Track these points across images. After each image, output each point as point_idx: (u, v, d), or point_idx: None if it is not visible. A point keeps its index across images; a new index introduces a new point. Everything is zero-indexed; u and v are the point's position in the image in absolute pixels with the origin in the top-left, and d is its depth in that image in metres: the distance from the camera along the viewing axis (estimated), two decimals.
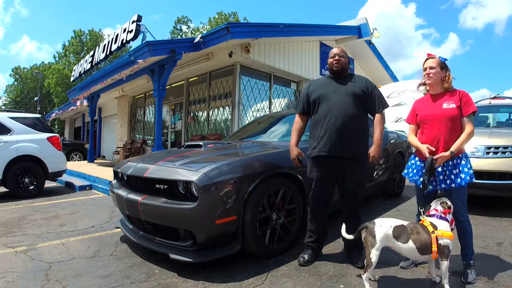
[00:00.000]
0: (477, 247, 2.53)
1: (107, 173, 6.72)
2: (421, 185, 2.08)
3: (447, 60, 2.14)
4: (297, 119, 2.54)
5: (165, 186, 2.33)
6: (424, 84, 2.21)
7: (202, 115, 8.99)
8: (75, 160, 12.83)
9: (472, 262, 2.09)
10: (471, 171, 2.04)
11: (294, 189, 2.59)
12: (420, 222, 1.96)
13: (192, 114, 9.28)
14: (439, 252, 1.85)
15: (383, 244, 1.87)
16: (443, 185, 2.05)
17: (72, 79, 11.51)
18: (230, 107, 7.90)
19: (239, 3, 62.64)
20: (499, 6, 69.02)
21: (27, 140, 5.45)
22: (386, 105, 2.40)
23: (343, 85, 2.35)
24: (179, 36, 32.01)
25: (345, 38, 9.70)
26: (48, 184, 6.17)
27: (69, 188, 6.44)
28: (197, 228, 2.16)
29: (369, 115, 2.44)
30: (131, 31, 7.03)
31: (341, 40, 9.81)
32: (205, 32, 13.22)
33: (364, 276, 1.88)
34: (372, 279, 2.01)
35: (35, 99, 31.89)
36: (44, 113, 28.12)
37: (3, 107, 35.62)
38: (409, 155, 3.96)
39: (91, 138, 13.24)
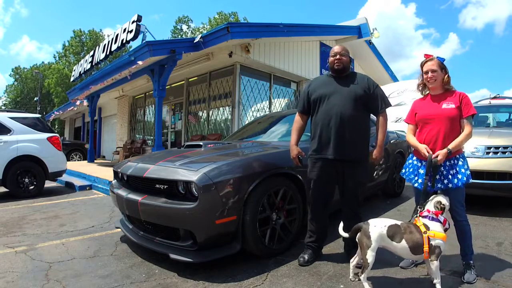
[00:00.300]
0: (477, 247, 2.54)
1: (107, 173, 6.72)
2: (415, 184, 2.13)
3: (445, 60, 2.14)
4: (297, 118, 2.53)
5: (165, 186, 2.33)
6: (423, 85, 2.21)
7: (202, 115, 9.00)
8: (75, 160, 12.83)
9: (472, 262, 2.09)
10: (468, 172, 2.04)
11: (294, 189, 2.59)
12: (413, 222, 1.97)
13: (193, 114, 9.28)
14: (430, 252, 1.85)
15: (378, 244, 1.88)
16: (439, 185, 2.06)
17: (72, 79, 11.51)
18: (230, 107, 7.90)
19: (239, 3, 62.74)
20: (499, 6, 69.13)
21: (27, 140, 5.44)
22: (389, 104, 2.38)
23: (345, 86, 2.31)
24: (180, 36, 32.02)
25: (345, 38, 9.70)
26: (48, 184, 6.17)
27: (69, 188, 6.44)
28: (197, 228, 2.15)
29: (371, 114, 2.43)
30: (131, 31, 7.03)
31: (341, 40, 9.81)
32: (205, 32, 13.22)
33: (362, 277, 1.89)
34: (354, 280, 2.02)
35: (35, 99, 31.90)
36: (44, 113, 28.12)
37: (3, 107, 35.64)
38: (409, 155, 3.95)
39: (91, 138, 13.25)
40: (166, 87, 7.19)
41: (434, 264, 1.85)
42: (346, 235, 2.08)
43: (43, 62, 43.76)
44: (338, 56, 2.33)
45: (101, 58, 8.56)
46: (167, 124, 10.25)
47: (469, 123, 2.06)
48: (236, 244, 2.26)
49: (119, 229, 2.94)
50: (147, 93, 11.11)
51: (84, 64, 9.95)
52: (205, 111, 8.83)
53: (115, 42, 7.78)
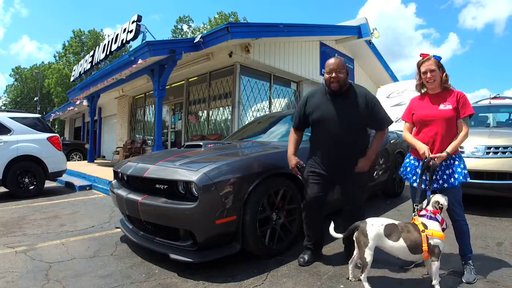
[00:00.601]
0: (477, 247, 2.54)
1: (107, 173, 6.72)
2: (413, 184, 2.13)
3: (441, 58, 2.13)
4: (292, 132, 2.46)
5: (165, 186, 2.33)
6: (421, 85, 2.20)
7: (202, 115, 9.00)
8: (75, 160, 12.84)
9: (471, 262, 2.09)
10: (465, 171, 2.04)
11: (294, 189, 2.59)
12: (411, 222, 1.97)
13: (193, 114, 9.28)
14: (429, 251, 1.84)
15: (376, 243, 1.88)
16: (435, 185, 2.06)
17: (72, 79, 11.52)
18: (230, 107, 7.90)
19: (239, 3, 62.76)
20: (498, 6, 69.10)
21: (27, 140, 5.45)
22: (391, 122, 2.32)
23: (343, 108, 2.22)
24: (180, 36, 32.04)
25: (345, 38, 9.71)
26: (48, 184, 6.17)
27: (69, 188, 6.44)
28: (197, 228, 2.16)
29: None
30: (131, 31, 7.03)
31: (341, 40, 9.82)
32: (205, 32, 13.21)
33: (362, 277, 1.89)
34: (353, 280, 2.02)
35: (35, 99, 31.88)
36: (44, 113, 28.13)
37: (3, 107, 35.65)
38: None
39: (91, 138, 13.26)
40: (166, 87, 7.19)
41: (435, 265, 1.85)
42: (339, 235, 2.04)
43: (43, 62, 43.87)
44: (334, 74, 2.18)
45: (101, 58, 8.56)
46: (167, 124, 10.25)
47: (466, 124, 2.06)
48: (236, 244, 2.26)
49: (119, 229, 2.94)
50: (147, 93, 11.11)
51: (84, 64, 9.95)
52: (205, 111, 8.83)
53: (115, 42, 7.78)
